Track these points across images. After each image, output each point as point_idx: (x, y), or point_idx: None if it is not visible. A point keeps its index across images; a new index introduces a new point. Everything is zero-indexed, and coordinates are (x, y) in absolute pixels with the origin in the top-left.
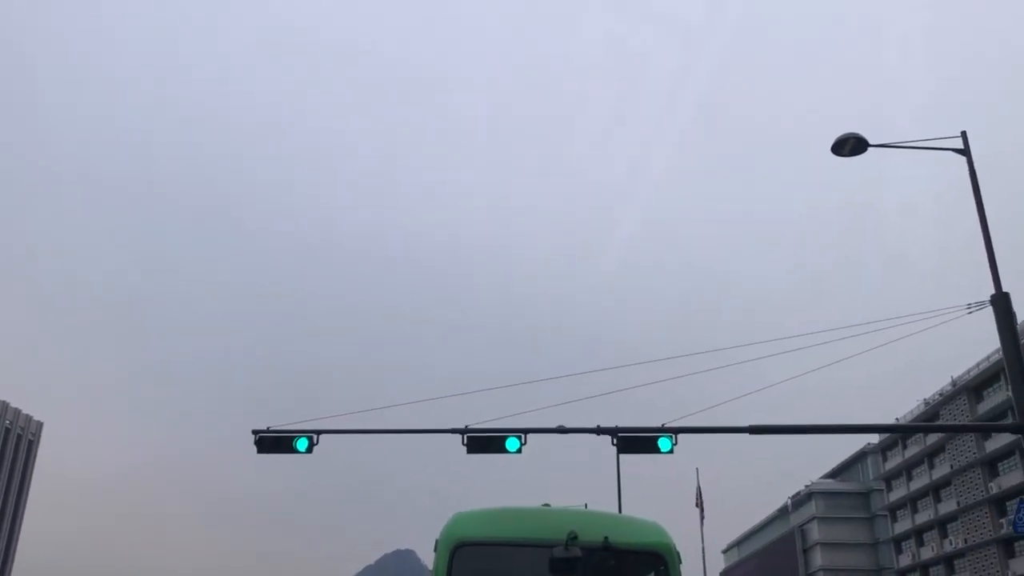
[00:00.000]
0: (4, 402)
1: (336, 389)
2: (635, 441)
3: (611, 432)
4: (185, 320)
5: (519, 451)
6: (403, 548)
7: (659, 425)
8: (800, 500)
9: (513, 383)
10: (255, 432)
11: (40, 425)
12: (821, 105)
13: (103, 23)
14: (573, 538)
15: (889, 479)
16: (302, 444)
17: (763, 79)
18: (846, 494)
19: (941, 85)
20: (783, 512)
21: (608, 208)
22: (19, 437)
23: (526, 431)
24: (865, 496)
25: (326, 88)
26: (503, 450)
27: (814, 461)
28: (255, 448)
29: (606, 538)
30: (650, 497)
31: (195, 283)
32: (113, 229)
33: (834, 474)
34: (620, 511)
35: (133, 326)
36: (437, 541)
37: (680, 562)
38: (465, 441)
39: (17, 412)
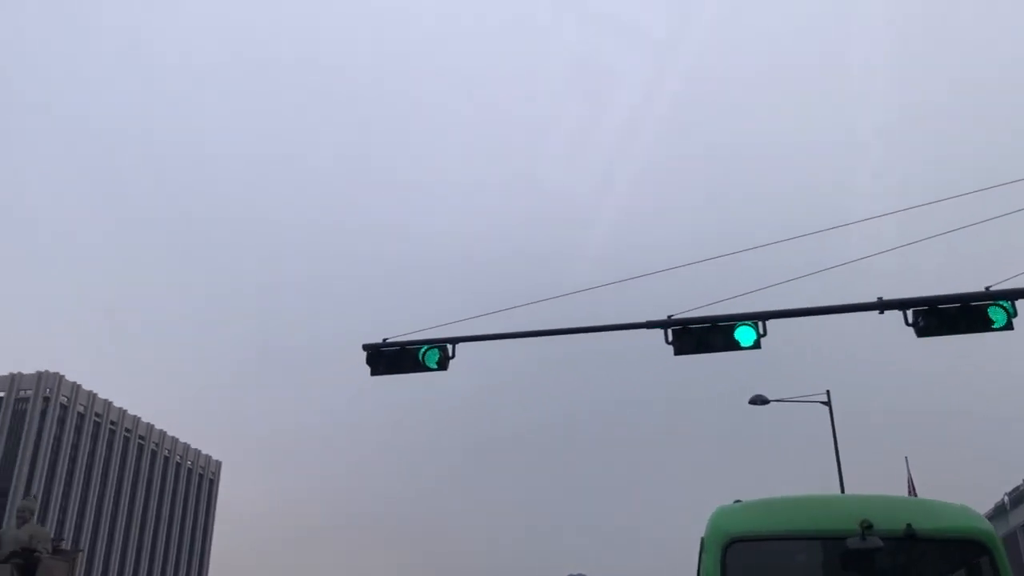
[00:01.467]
0: (185, 444)
1: None
2: (947, 318)
3: (904, 306)
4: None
5: (756, 345)
6: (575, 573)
7: (982, 289)
8: (1020, 496)
9: (720, 254)
10: (366, 347)
11: (219, 464)
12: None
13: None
14: (868, 527)
15: None
16: (431, 358)
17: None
18: None
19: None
20: (999, 511)
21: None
22: (200, 477)
23: (765, 315)
24: None
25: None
26: (732, 346)
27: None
28: (368, 369)
29: (908, 525)
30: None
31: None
32: None
33: None
34: (841, 481)
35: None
36: (702, 539)
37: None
38: (670, 338)
39: (197, 453)
